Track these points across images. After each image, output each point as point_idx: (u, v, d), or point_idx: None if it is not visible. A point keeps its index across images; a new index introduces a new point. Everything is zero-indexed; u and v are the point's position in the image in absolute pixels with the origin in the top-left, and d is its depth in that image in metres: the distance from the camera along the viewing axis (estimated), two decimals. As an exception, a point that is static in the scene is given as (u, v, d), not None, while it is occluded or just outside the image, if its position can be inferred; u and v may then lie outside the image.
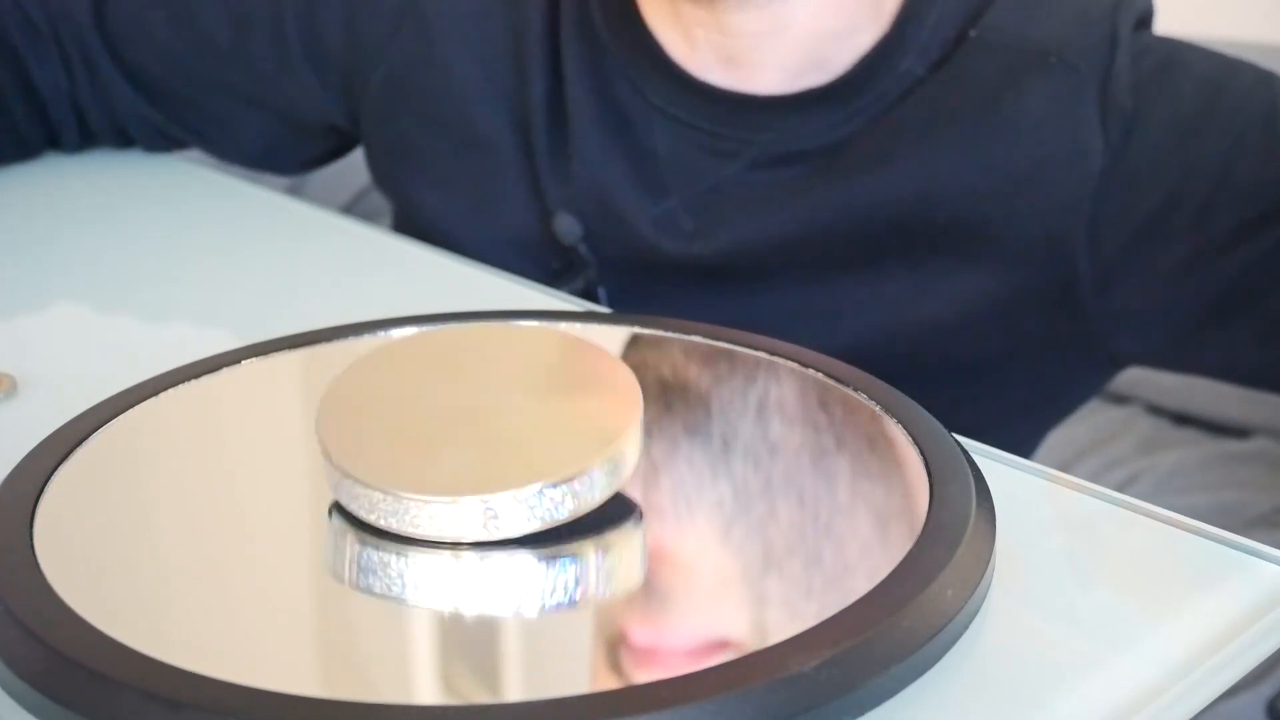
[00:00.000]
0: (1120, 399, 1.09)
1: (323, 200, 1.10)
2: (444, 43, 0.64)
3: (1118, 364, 0.64)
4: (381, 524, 0.30)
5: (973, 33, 0.57)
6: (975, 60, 0.57)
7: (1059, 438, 1.02)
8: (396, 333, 0.44)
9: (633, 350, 0.44)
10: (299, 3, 0.67)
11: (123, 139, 0.74)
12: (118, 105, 0.71)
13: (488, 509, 0.29)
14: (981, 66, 0.57)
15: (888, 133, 0.58)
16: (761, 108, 0.59)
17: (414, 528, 0.30)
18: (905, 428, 0.37)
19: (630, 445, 0.32)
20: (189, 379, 0.40)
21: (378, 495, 0.30)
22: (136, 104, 0.71)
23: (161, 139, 0.74)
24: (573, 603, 0.29)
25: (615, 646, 0.28)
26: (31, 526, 0.31)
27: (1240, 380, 0.62)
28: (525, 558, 0.30)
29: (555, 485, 0.30)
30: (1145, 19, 0.59)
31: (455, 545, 0.30)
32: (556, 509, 0.30)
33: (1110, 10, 0.57)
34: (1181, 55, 0.58)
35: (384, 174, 0.70)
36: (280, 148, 0.74)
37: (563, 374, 0.35)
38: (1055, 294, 0.58)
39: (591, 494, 0.31)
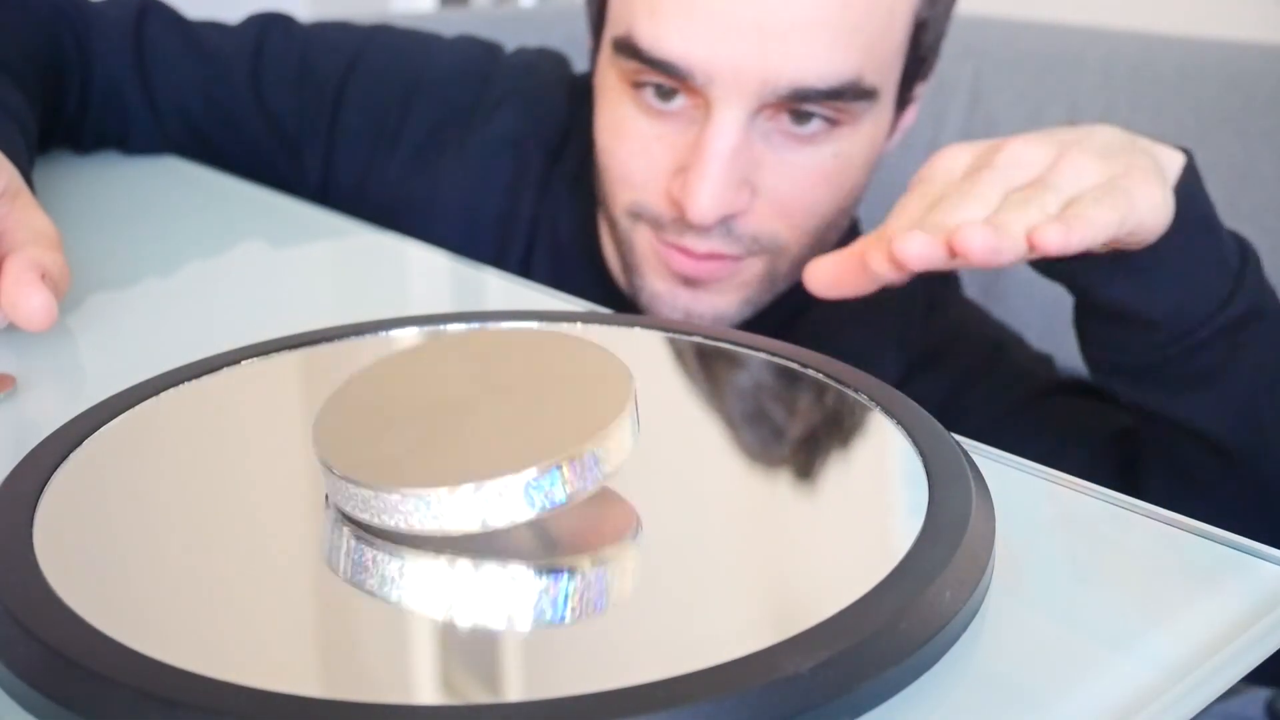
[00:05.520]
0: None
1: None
2: (438, 223, 0.78)
3: None
4: (378, 522, 0.30)
5: None
6: (822, 307, 0.72)
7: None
8: (396, 333, 0.44)
9: (632, 350, 0.44)
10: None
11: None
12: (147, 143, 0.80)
13: (480, 496, 0.29)
14: (825, 311, 0.72)
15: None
16: None
17: (408, 523, 0.30)
18: (905, 428, 0.37)
19: (623, 428, 0.31)
20: (189, 379, 0.40)
21: (370, 493, 0.30)
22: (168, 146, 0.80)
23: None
24: (569, 601, 0.29)
25: None
26: (31, 526, 0.31)
27: None
28: (522, 556, 0.30)
29: (546, 471, 0.29)
30: (946, 280, 0.79)
31: (452, 538, 0.30)
32: (549, 495, 0.30)
33: (922, 282, 0.76)
34: (967, 315, 0.78)
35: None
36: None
37: (553, 368, 0.35)
38: None
39: (584, 480, 0.30)
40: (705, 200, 0.62)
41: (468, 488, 0.29)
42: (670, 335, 0.44)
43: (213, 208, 0.69)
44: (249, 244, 0.63)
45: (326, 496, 0.32)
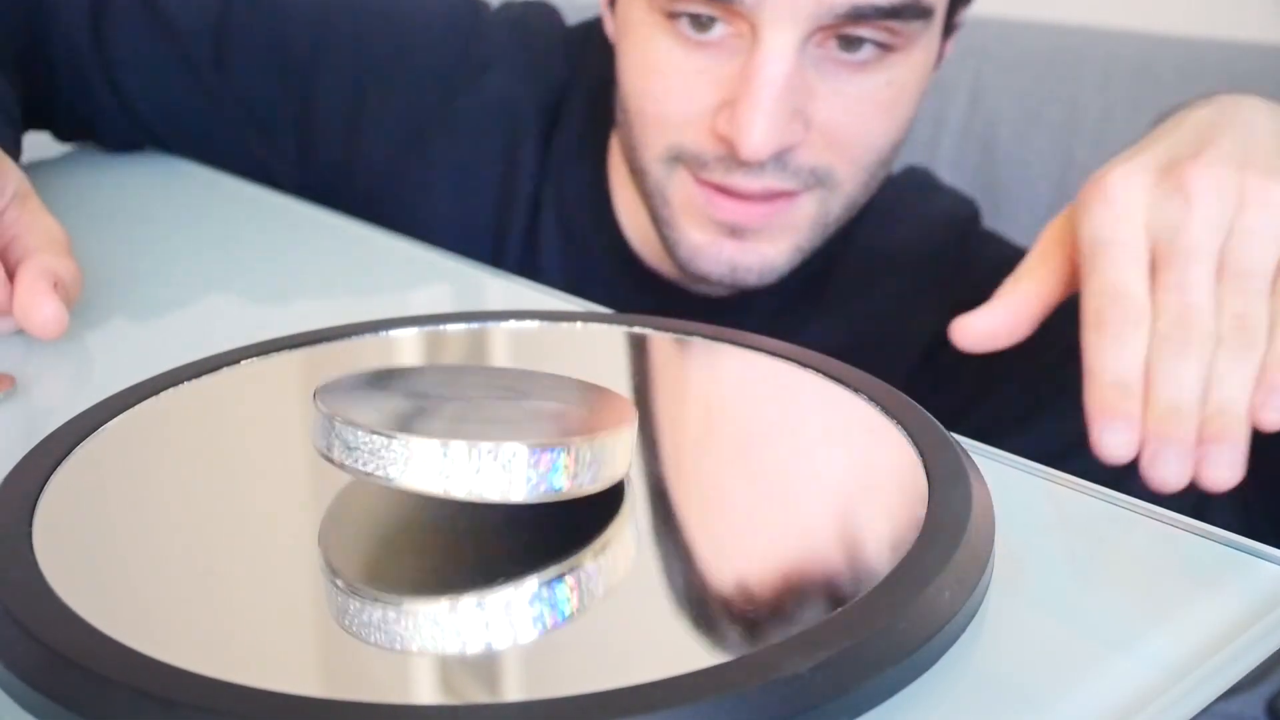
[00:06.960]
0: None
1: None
2: (433, 201, 0.74)
3: None
4: (365, 466, 0.29)
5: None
6: (849, 260, 0.71)
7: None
8: (396, 333, 0.44)
9: (632, 350, 0.44)
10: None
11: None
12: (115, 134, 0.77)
13: (475, 455, 0.29)
14: (853, 264, 0.71)
15: (804, 312, 0.72)
16: (715, 310, 0.71)
17: (399, 471, 0.29)
18: (905, 428, 0.37)
19: (625, 438, 0.31)
20: (189, 379, 0.40)
21: (365, 435, 0.29)
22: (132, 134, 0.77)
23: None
24: (568, 603, 0.29)
25: None
26: (31, 526, 0.31)
27: None
28: (521, 559, 0.30)
29: (547, 449, 0.29)
30: (974, 218, 0.75)
31: (449, 531, 0.30)
32: (547, 474, 0.29)
33: (953, 221, 0.74)
34: (1003, 257, 0.69)
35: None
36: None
37: (554, 389, 0.35)
38: None
39: (583, 471, 0.30)
40: (758, 134, 0.58)
41: (480, 446, 0.29)
42: (670, 335, 0.44)
43: (213, 208, 0.69)
44: (249, 244, 0.63)
45: (328, 450, 0.31)
